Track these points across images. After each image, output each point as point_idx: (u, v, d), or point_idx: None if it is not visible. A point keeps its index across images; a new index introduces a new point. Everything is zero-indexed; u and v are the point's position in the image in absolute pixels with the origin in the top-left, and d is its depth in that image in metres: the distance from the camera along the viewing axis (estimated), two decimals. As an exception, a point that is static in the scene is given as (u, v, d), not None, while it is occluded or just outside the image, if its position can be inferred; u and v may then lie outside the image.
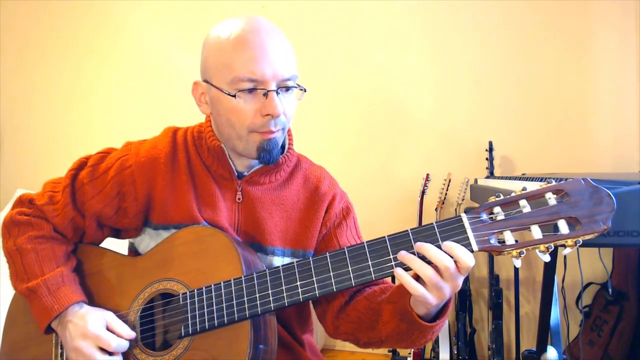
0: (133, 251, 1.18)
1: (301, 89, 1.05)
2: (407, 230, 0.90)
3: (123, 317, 1.05)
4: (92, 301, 1.09)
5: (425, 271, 0.85)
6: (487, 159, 2.58)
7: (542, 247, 0.82)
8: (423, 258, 0.86)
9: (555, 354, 1.56)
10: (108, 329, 1.01)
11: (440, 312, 0.94)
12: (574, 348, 2.33)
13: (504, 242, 0.84)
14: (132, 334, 1.02)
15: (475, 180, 2.40)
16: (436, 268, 0.85)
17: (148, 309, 1.05)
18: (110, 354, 1.00)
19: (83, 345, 0.99)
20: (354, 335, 1.08)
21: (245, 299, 0.96)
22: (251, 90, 0.99)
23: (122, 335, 1.01)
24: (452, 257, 0.85)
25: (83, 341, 0.99)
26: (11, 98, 3.45)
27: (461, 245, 0.85)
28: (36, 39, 3.40)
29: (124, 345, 1.01)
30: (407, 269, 0.88)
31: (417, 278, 0.88)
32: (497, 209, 0.86)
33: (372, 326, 1.03)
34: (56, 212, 1.10)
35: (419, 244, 0.87)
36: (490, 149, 2.58)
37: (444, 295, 0.87)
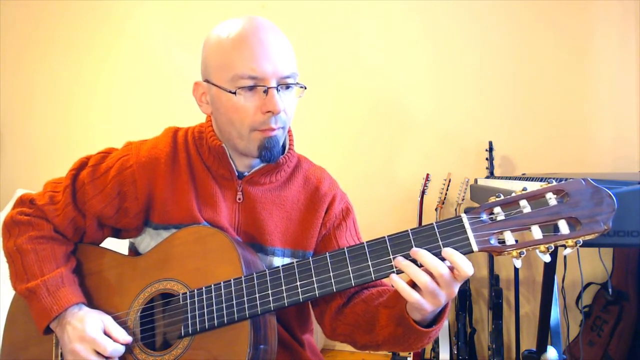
0: (133, 251, 1.18)
1: (301, 87, 1.05)
2: (407, 231, 0.90)
3: (123, 317, 1.05)
4: (92, 301, 1.09)
5: (421, 278, 0.85)
6: (487, 159, 2.58)
7: (542, 247, 0.82)
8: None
9: (555, 354, 1.56)
10: (105, 333, 1.01)
11: (437, 317, 0.94)
12: (574, 348, 2.33)
13: (504, 242, 0.84)
14: (128, 339, 1.02)
15: (475, 180, 2.40)
16: (431, 274, 0.85)
17: (148, 308, 1.05)
18: (107, 358, 1.00)
19: (80, 349, 0.99)
20: (351, 337, 1.08)
21: (245, 299, 0.96)
22: (251, 88, 0.99)
23: (118, 340, 1.01)
24: (451, 263, 0.85)
25: (80, 344, 0.99)
26: (11, 98, 3.45)
27: (461, 244, 0.86)
28: (36, 39, 3.40)
29: (120, 350, 1.01)
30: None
31: (414, 284, 0.88)
32: (497, 209, 0.86)
33: (369, 329, 1.03)
34: (57, 212, 1.11)
35: (414, 249, 0.87)
36: (490, 149, 2.58)
37: (439, 302, 0.87)
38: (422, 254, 0.85)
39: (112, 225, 1.14)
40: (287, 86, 1.02)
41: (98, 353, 1.00)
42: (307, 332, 1.22)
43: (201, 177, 1.10)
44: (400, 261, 0.87)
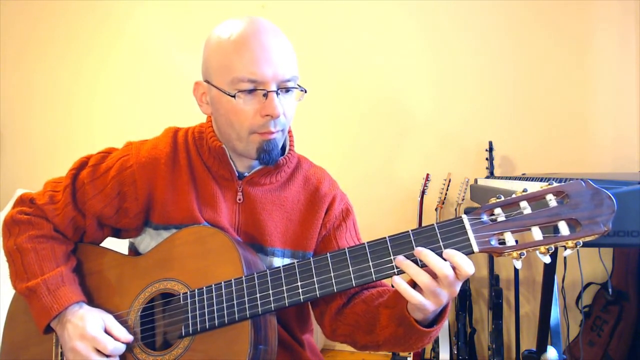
0: (133, 251, 1.18)
1: (301, 90, 1.05)
2: (408, 231, 0.90)
3: (123, 317, 1.05)
4: (93, 301, 1.09)
5: (422, 278, 0.85)
6: (487, 159, 2.58)
7: (542, 248, 0.82)
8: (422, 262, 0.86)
9: (555, 354, 1.56)
10: (106, 331, 1.01)
11: (438, 316, 0.94)
12: (574, 348, 2.33)
13: (504, 243, 0.84)
14: (129, 338, 1.02)
15: (475, 180, 2.40)
16: (434, 274, 0.85)
17: (148, 308, 1.05)
18: (107, 356, 1.00)
19: (80, 347, 0.99)
20: (351, 337, 1.08)
21: (246, 299, 0.96)
22: (251, 91, 0.99)
23: (119, 338, 1.01)
24: (452, 264, 0.84)
25: (80, 342, 0.99)
26: (11, 98, 3.45)
27: (462, 245, 0.86)
28: (36, 39, 3.40)
29: (121, 348, 1.01)
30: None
31: (414, 283, 0.88)
32: (497, 210, 0.86)
33: (369, 330, 1.03)
34: (57, 211, 1.11)
35: (418, 249, 0.86)
36: (490, 149, 2.58)
37: (441, 302, 0.87)
38: (426, 254, 0.85)
39: (112, 225, 1.14)
40: (287, 89, 1.02)
41: (99, 351, 1.00)
42: (307, 332, 1.22)
43: (201, 178, 1.10)
44: (402, 261, 0.87)
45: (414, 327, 0.92)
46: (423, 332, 0.92)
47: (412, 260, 0.87)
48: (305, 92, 1.05)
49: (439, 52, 2.76)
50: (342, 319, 1.08)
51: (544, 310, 1.57)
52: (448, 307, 0.93)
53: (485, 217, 0.86)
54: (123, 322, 1.05)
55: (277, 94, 1.00)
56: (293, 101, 1.05)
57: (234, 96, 0.99)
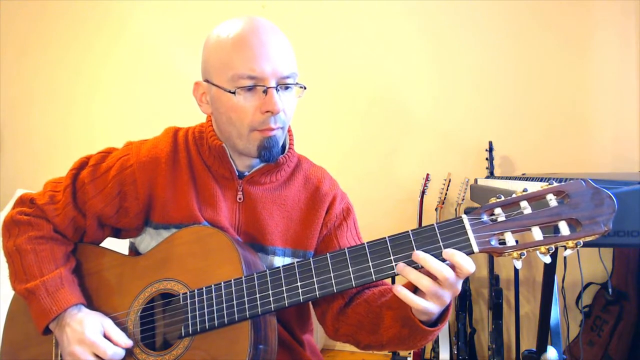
0: (133, 251, 1.18)
1: (301, 87, 1.05)
2: (407, 232, 0.90)
3: (123, 318, 1.05)
4: (93, 301, 1.09)
5: (423, 282, 0.85)
6: (487, 159, 2.58)
7: (542, 248, 0.82)
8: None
9: (555, 354, 1.56)
10: (105, 335, 1.01)
11: (441, 314, 0.94)
12: (574, 348, 2.33)
13: (504, 243, 0.84)
14: (129, 343, 1.01)
15: (475, 180, 2.40)
16: (434, 277, 0.85)
17: (148, 308, 1.05)
18: None
19: (79, 351, 0.99)
20: (354, 337, 1.08)
21: (246, 299, 0.96)
22: (251, 88, 1.00)
23: (118, 343, 1.00)
24: (453, 263, 0.84)
25: (79, 347, 0.99)
26: (11, 98, 3.45)
27: (462, 245, 0.85)
28: (36, 39, 3.39)
29: (120, 353, 1.00)
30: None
31: (416, 287, 0.88)
32: (498, 210, 0.85)
33: (373, 330, 1.03)
34: (57, 211, 1.10)
35: (416, 253, 0.86)
36: (490, 149, 2.58)
37: (445, 302, 0.88)
38: (425, 258, 0.85)
39: (113, 225, 1.14)
40: (287, 86, 1.02)
41: (97, 356, 0.99)
42: (307, 332, 1.22)
43: (202, 177, 1.10)
44: (402, 267, 0.87)
45: (419, 327, 0.92)
46: (427, 332, 0.92)
47: (411, 265, 0.87)
48: (305, 88, 1.05)
49: (439, 51, 2.76)
50: (344, 319, 1.08)
51: (544, 310, 1.57)
52: (451, 305, 0.93)
53: (485, 217, 0.86)
54: (122, 323, 1.05)
55: (277, 90, 1.00)
56: (293, 98, 1.05)
57: (233, 93, 1.00)
